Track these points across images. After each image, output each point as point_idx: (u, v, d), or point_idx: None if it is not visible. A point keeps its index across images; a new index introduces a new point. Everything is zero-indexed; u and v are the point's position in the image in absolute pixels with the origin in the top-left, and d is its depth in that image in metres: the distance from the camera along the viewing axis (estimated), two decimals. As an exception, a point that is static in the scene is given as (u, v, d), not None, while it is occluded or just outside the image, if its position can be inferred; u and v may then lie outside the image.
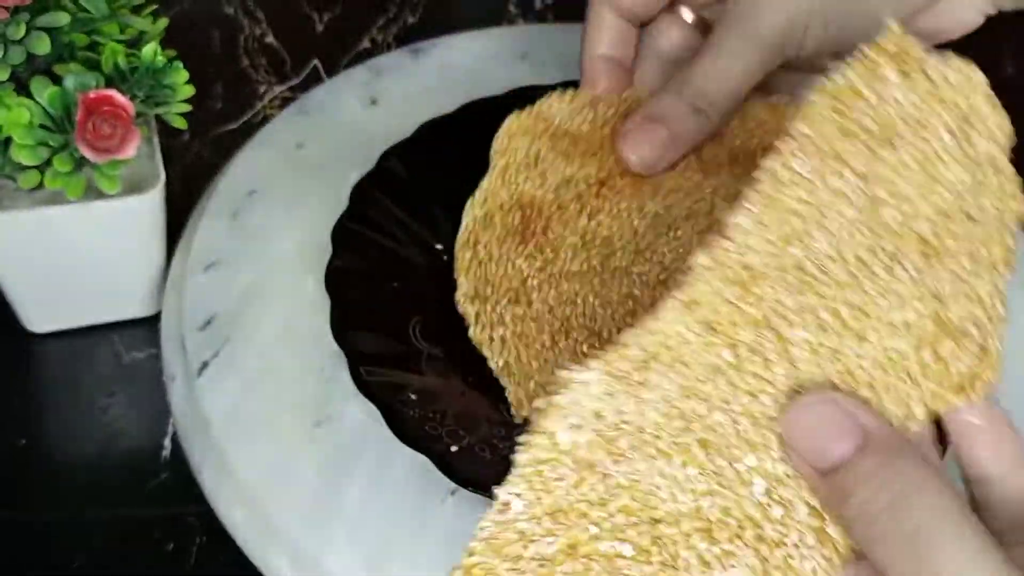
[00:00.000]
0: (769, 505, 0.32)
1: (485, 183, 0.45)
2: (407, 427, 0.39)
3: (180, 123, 0.44)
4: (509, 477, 0.32)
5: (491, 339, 0.42)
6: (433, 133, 0.49)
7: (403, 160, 0.48)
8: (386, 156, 0.47)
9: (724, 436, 0.32)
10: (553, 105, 0.47)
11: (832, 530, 0.31)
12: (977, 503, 0.34)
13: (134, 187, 0.45)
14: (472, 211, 0.45)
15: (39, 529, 0.44)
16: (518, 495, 0.31)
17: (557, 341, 0.43)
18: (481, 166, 0.46)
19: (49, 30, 0.41)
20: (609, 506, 0.31)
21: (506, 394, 0.41)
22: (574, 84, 0.48)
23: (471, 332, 0.42)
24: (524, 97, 0.48)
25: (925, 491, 0.29)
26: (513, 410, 0.41)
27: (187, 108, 0.44)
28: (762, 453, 0.31)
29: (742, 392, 0.32)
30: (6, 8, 0.40)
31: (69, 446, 0.47)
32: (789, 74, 0.46)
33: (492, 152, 0.46)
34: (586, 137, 0.47)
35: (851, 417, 0.31)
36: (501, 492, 0.31)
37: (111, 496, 0.45)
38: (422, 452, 0.39)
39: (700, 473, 0.32)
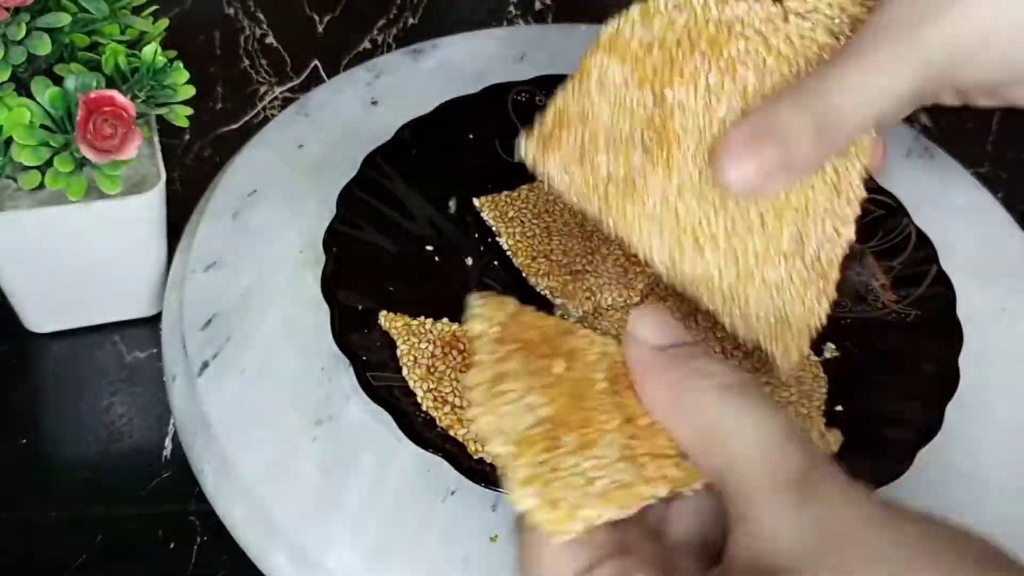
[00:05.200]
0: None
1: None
2: (420, 430, 0.39)
3: (182, 121, 0.44)
4: None
5: None
6: (413, 134, 0.49)
7: (387, 162, 0.48)
8: (370, 159, 0.48)
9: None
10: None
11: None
12: None
13: (135, 187, 0.45)
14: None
15: (40, 528, 0.44)
16: None
17: None
18: (462, 162, 0.48)
19: (50, 31, 0.41)
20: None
21: None
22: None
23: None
24: (499, 95, 0.50)
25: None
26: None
27: (188, 110, 0.44)
28: None
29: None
30: (7, 9, 0.40)
31: (70, 445, 0.47)
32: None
33: None
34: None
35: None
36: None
37: (112, 495, 0.45)
38: (438, 454, 0.39)
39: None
